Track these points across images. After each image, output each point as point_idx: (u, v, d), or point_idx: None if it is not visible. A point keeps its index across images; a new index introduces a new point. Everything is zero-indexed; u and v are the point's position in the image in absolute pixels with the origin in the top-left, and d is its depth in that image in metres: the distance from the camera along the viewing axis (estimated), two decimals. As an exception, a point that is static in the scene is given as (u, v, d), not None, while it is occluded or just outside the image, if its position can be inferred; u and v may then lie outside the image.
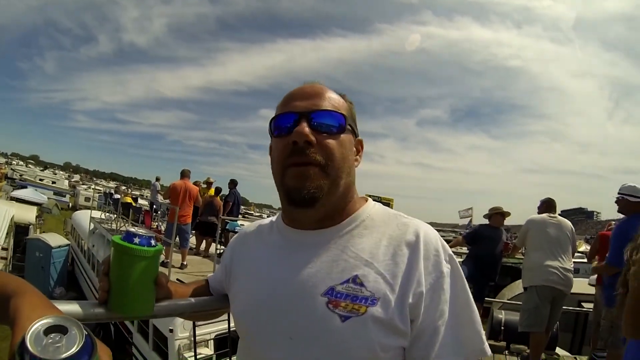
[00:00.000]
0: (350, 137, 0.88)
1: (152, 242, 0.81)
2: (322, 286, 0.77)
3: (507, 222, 5.65)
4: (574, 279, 4.28)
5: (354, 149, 0.90)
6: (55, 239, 13.61)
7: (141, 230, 0.82)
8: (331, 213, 0.86)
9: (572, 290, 4.33)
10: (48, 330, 0.43)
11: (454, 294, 0.77)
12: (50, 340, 0.43)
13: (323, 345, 0.74)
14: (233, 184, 9.70)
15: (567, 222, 4.43)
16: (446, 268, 0.78)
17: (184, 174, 8.12)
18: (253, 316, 0.86)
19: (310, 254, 0.83)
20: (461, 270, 0.81)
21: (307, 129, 0.80)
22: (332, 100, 0.86)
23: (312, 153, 0.80)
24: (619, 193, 3.90)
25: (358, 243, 0.81)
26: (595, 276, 4.61)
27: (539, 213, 4.58)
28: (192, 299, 1.01)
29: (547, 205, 4.57)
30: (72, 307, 0.80)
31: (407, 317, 0.73)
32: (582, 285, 4.52)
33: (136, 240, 0.79)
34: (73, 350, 0.42)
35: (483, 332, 0.80)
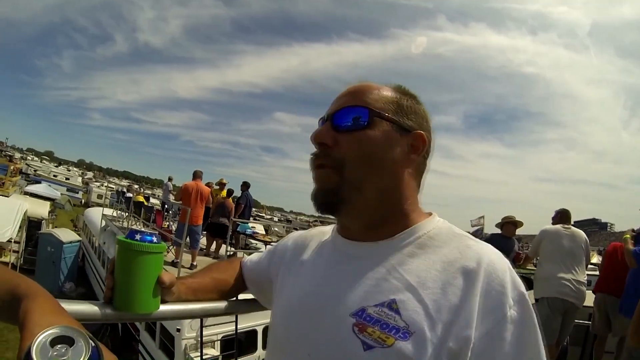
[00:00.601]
0: (387, 131, 0.74)
1: (154, 239, 0.83)
2: (354, 305, 0.66)
3: (519, 231, 5.58)
4: (587, 291, 4.22)
5: (403, 145, 0.75)
6: (66, 235, 13.76)
7: (145, 229, 0.84)
8: (376, 223, 0.75)
9: (584, 304, 4.26)
10: (55, 341, 0.43)
11: (518, 349, 0.59)
12: (55, 353, 0.42)
13: None
14: (245, 186, 9.73)
15: (582, 234, 4.37)
16: (512, 311, 0.60)
17: (196, 175, 8.14)
18: (284, 325, 0.80)
19: (354, 266, 0.73)
20: (535, 317, 0.62)
21: (322, 130, 0.75)
22: (366, 95, 0.76)
23: (328, 155, 0.74)
24: None
25: (407, 263, 0.69)
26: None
27: (553, 223, 4.53)
28: (201, 305, 0.99)
29: (562, 216, 4.52)
30: (78, 307, 0.80)
31: None
32: (593, 298, 4.44)
33: (137, 236, 0.81)
34: None
35: None
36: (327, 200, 0.74)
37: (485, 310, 0.59)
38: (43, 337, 0.43)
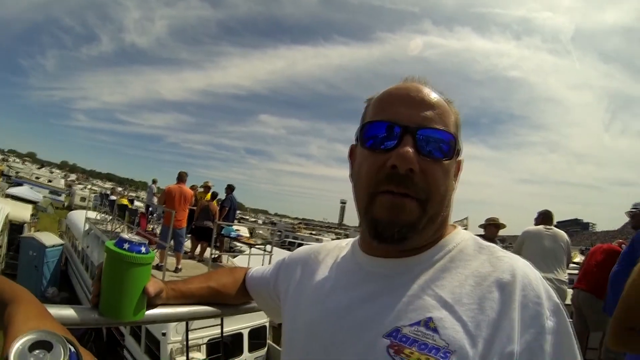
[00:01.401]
0: (454, 161, 0.71)
1: (143, 249, 0.82)
2: (387, 325, 0.63)
3: (503, 232, 5.67)
4: (568, 290, 4.32)
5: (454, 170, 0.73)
6: (49, 239, 13.53)
7: (135, 237, 0.83)
8: (417, 245, 0.70)
9: (566, 302, 4.35)
10: (33, 346, 0.43)
11: (558, 358, 0.57)
12: (31, 358, 0.42)
13: None
14: (230, 189, 9.68)
15: (563, 234, 4.48)
16: (550, 322, 0.58)
17: (181, 177, 8.10)
18: (303, 341, 0.75)
19: (383, 285, 0.70)
20: (570, 327, 0.61)
21: (411, 153, 0.64)
22: (443, 114, 0.69)
23: (414, 183, 0.65)
24: (635, 208, 3.91)
25: (440, 279, 0.66)
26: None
27: (535, 224, 4.62)
28: (186, 309, 1.00)
29: (544, 217, 4.63)
30: (65, 312, 0.80)
31: None
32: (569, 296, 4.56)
33: (126, 246, 0.80)
34: None
35: None
36: (403, 234, 0.67)
37: (524, 324, 0.58)
38: (21, 343, 0.43)
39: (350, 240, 0.88)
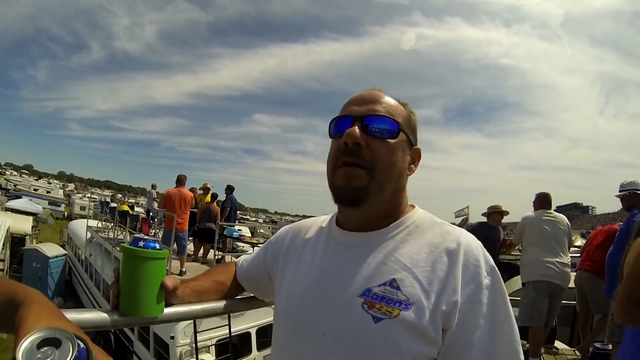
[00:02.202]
0: (404, 144, 0.88)
1: (157, 245, 0.88)
2: (360, 287, 0.78)
3: (505, 219, 5.66)
4: (571, 273, 4.33)
5: (408, 157, 0.90)
6: (52, 249, 13.53)
7: (147, 237, 0.88)
8: (378, 217, 0.87)
9: (570, 285, 4.38)
10: (42, 344, 0.43)
11: (493, 309, 0.74)
12: (39, 355, 0.42)
13: (354, 345, 0.75)
14: (230, 189, 9.69)
15: (563, 217, 4.48)
16: (486, 280, 0.75)
17: (180, 180, 8.12)
18: (291, 311, 0.89)
19: (353, 255, 0.85)
20: (503, 285, 0.78)
21: (357, 132, 0.83)
22: (388, 106, 0.88)
23: (360, 155, 0.83)
24: (622, 190, 3.93)
25: (400, 248, 0.82)
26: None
27: (534, 208, 4.62)
28: (202, 306, 1.03)
29: (542, 200, 4.61)
30: (85, 315, 0.83)
31: (439, 325, 0.72)
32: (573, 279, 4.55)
33: (141, 243, 0.86)
34: None
35: (521, 351, 0.77)
36: (355, 196, 0.83)
37: (465, 281, 0.75)
38: (30, 340, 0.43)
39: (327, 217, 1.03)
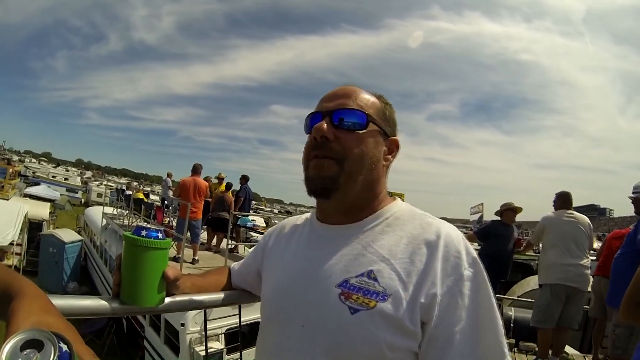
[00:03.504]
0: (376, 135, 0.88)
1: (159, 235, 0.87)
2: (337, 278, 0.79)
3: (519, 217, 5.58)
4: (590, 276, 4.25)
5: (383, 147, 0.90)
6: (68, 235, 13.78)
7: (150, 226, 0.88)
8: (354, 208, 0.88)
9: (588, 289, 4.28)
10: (25, 345, 0.42)
11: (475, 300, 0.73)
12: (20, 359, 0.41)
13: (331, 336, 0.75)
14: (244, 179, 9.71)
15: (584, 218, 4.37)
16: (467, 271, 0.74)
17: (195, 169, 8.15)
18: (273, 303, 0.91)
19: (332, 247, 0.85)
20: (485, 276, 0.77)
21: (324, 126, 0.84)
22: (359, 100, 0.89)
23: (329, 147, 0.84)
24: (635, 192, 3.80)
25: (379, 239, 0.82)
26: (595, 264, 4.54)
27: (555, 207, 4.51)
28: (203, 297, 1.03)
29: (564, 200, 4.50)
30: (85, 303, 0.82)
31: (417, 317, 0.71)
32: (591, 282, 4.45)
33: (143, 233, 0.86)
34: None
35: (505, 343, 0.75)
36: (324, 185, 0.84)
37: (446, 272, 0.74)
38: (13, 342, 0.42)
39: (311, 212, 1.04)
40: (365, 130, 0.86)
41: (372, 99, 0.91)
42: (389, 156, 0.93)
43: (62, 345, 0.43)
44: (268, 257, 1.04)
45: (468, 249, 0.78)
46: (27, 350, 0.42)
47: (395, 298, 0.72)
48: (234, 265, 1.21)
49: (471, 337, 0.71)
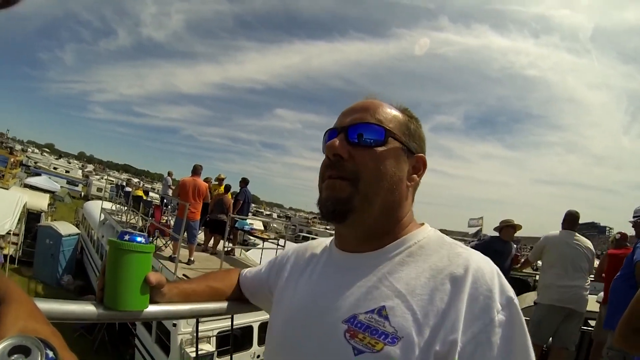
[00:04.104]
0: (398, 151, 0.79)
1: (142, 240, 0.86)
2: (346, 313, 0.70)
3: (519, 233, 5.57)
4: (588, 297, 4.26)
5: (406, 165, 0.80)
6: (65, 227, 13.82)
7: (135, 231, 0.88)
8: (373, 235, 0.79)
9: (589, 308, 4.30)
10: (13, 351, 0.42)
11: (507, 353, 0.60)
12: None
13: None
14: (244, 182, 9.71)
15: (586, 241, 4.38)
16: (500, 315, 0.61)
17: (196, 170, 8.15)
18: (280, 334, 0.83)
19: (347, 277, 0.76)
20: (523, 321, 0.64)
21: (337, 143, 0.77)
22: (379, 113, 0.80)
23: (343, 166, 0.77)
24: (636, 216, 3.79)
25: (397, 271, 0.72)
26: (602, 294, 4.53)
27: (562, 226, 4.52)
28: (190, 306, 1.01)
29: (569, 220, 4.51)
30: (70, 307, 0.81)
31: None
32: (590, 303, 4.44)
33: (126, 237, 0.85)
34: None
35: None
36: (337, 208, 0.76)
37: (472, 315, 0.61)
38: (1, 347, 0.42)
39: (331, 238, 0.94)
40: (384, 147, 0.77)
41: (394, 112, 0.83)
42: (415, 175, 0.83)
43: (48, 351, 0.44)
44: (282, 282, 0.95)
45: (503, 287, 0.65)
46: (15, 356, 0.42)
47: (406, 342, 0.61)
48: (246, 272, 1.14)
49: None
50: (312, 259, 0.92)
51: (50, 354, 0.44)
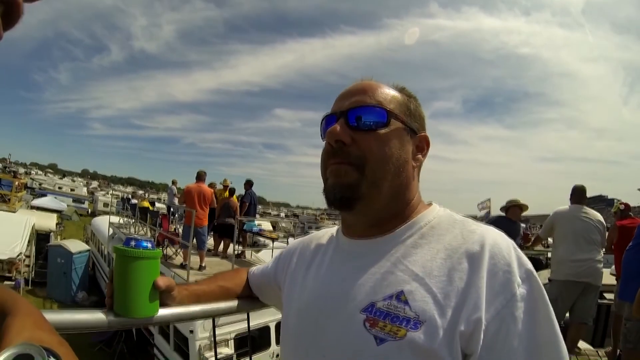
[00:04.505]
0: (400, 132, 0.76)
1: (149, 245, 0.86)
2: (363, 301, 0.67)
3: (526, 212, 5.53)
4: (602, 270, 4.22)
5: (410, 146, 0.78)
6: (75, 245, 13.86)
7: (140, 237, 0.87)
8: (382, 219, 0.77)
9: (605, 282, 4.24)
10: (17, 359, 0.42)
11: (531, 326, 0.58)
12: None
13: None
14: (249, 184, 9.73)
15: (596, 213, 4.34)
16: (521, 289, 0.60)
17: (200, 176, 8.16)
18: (293, 329, 0.81)
19: (358, 264, 0.74)
20: (545, 295, 0.62)
21: (338, 129, 0.74)
22: (378, 94, 0.78)
23: (346, 152, 0.74)
24: None
25: (411, 254, 0.70)
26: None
27: (571, 201, 4.48)
28: (201, 307, 1.00)
29: (578, 194, 4.46)
30: (80, 317, 0.81)
31: (457, 349, 0.58)
32: (604, 276, 4.40)
33: (132, 243, 0.85)
34: None
35: None
36: (344, 194, 0.74)
37: (493, 291, 0.60)
38: (3, 357, 0.42)
39: (336, 228, 0.93)
40: (387, 129, 0.75)
41: (393, 92, 0.80)
42: (419, 155, 0.80)
43: (52, 359, 0.43)
44: (290, 276, 0.93)
45: (521, 260, 0.63)
46: None
47: (429, 325, 0.59)
48: (254, 270, 1.14)
49: None
50: (319, 249, 0.90)
51: None
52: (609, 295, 5.36)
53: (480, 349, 0.57)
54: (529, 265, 0.64)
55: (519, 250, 0.66)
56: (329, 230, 0.96)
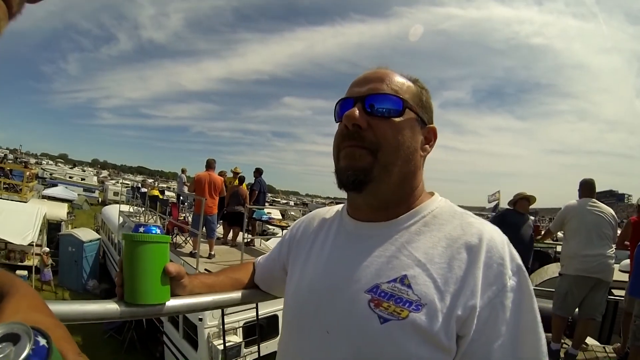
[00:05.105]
0: (413, 123, 0.80)
1: (157, 230, 0.85)
2: (368, 282, 0.72)
3: (535, 205, 5.49)
4: (613, 265, 4.16)
5: (420, 136, 0.82)
6: (86, 234, 14.05)
7: (148, 223, 0.85)
8: (388, 204, 0.81)
9: (613, 279, 4.18)
10: (3, 339, 0.41)
11: (517, 314, 0.66)
12: None
13: (358, 346, 0.69)
14: (258, 172, 9.71)
15: (607, 208, 4.26)
16: (511, 281, 0.67)
17: (209, 165, 8.15)
18: (297, 305, 0.85)
19: (363, 246, 0.78)
20: (531, 287, 0.70)
21: (356, 113, 0.77)
22: (394, 83, 0.81)
23: (362, 136, 0.77)
24: None
25: (415, 241, 0.75)
26: (628, 262, 4.45)
27: (579, 195, 4.42)
28: (212, 297, 1.00)
29: (587, 188, 4.40)
30: (91, 307, 0.81)
31: (453, 331, 0.65)
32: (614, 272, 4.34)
33: (141, 229, 0.84)
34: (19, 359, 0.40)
35: None
36: (356, 177, 0.77)
37: (487, 281, 0.67)
38: None
39: (341, 206, 0.96)
40: (401, 118, 0.78)
41: (408, 82, 0.83)
42: (427, 146, 0.84)
43: (39, 339, 0.41)
44: (294, 253, 0.96)
45: (512, 255, 0.70)
46: (3, 344, 0.40)
47: (430, 308, 0.66)
48: (260, 259, 1.16)
49: (511, 355, 0.65)
50: (322, 226, 0.94)
51: (43, 341, 0.42)
52: (617, 292, 5.32)
53: (472, 331, 0.64)
54: (519, 260, 0.71)
55: (511, 246, 0.72)
56: (332, 209, 0.99)
